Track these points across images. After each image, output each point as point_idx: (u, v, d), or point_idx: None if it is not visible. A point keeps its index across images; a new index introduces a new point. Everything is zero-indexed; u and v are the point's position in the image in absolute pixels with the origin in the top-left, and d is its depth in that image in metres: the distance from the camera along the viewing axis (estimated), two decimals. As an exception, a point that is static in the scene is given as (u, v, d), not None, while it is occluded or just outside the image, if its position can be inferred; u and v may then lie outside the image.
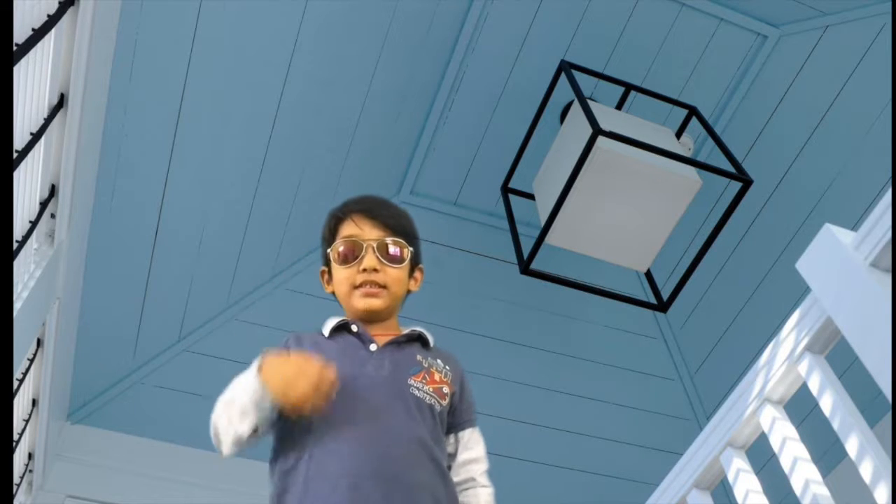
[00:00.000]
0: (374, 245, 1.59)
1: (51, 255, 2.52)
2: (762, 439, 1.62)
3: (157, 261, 3.34)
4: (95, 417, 3.53)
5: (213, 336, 3.56)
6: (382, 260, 1.59)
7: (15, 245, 2.14)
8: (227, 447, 1.41)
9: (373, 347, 1.54)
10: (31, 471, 3.17)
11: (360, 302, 1.58)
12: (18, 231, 2.22)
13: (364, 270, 1.57)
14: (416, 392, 1.49)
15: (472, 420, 1.61)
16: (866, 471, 1.28)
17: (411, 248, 1.64)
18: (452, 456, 1.57)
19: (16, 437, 2.81)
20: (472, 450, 1.57)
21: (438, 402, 1.51)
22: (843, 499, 1.46)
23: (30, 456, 3.11)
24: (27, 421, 2.91)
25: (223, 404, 1.41)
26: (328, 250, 1.64)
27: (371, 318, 1.59)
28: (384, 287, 1.58)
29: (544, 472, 3.94)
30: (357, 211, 1.64)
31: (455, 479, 1.53)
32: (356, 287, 1.58)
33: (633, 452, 3.96)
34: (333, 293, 1.66)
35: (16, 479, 3.05)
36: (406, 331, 1.61)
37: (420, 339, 1.61)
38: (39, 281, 2.41)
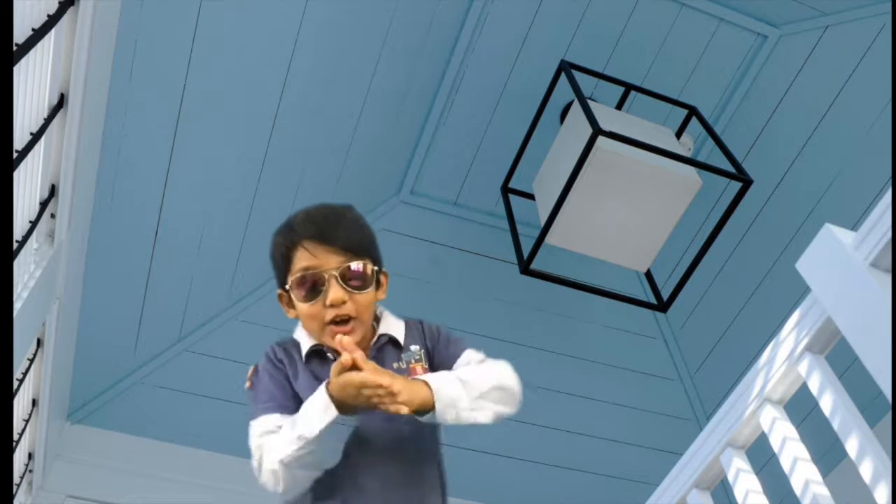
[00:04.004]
0: (337, 274, 1.43)
1: (51, 255, 2.52)
2: (762, 439, 1.62)
3: (157, 261, 3.34)
4: (95, 417, 3.53)
5: (213, 336, 3.57)
6: (348, 288, 1.44)
7: (15, 245, 2.14)
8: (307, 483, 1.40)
9: None
10: (31, 471, 3.17)
11: (334, 343, 1.42)
12: (18, 231, 2.22)
13: (331, 305, 1.43)
14: None
15: (459, 349, 1.55)
16: (866, 471, 1.28)
17: (375, 267, 1.51)
18: None
19: (16, 437, 2.81)
20: (469, 363, 1.52)
21: None
22: (843, 499, 1.46)
23: (30, 456, 3.11)
24: (27, 421, 2.91)
25: (291, 466, 1.34)
26: (285, 281, 1.49)
27: None
28: (356, 317, 1.46)
29: (544, 472, 3.94)
30: (308, 238, 1.46)
31: None
32: (327, 323, 1.45)
33: (633, 452, 3.96)
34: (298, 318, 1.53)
35: (16, 479, 3.05)
36: (374, 341, 1.52)
37: (391, 341, 1.53)
38: (39, 281, 2.41)
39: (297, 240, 1.47)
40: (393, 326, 1.56)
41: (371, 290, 1.49)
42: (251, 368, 1.54)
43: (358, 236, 1.50)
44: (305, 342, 1.51)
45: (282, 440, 1.35)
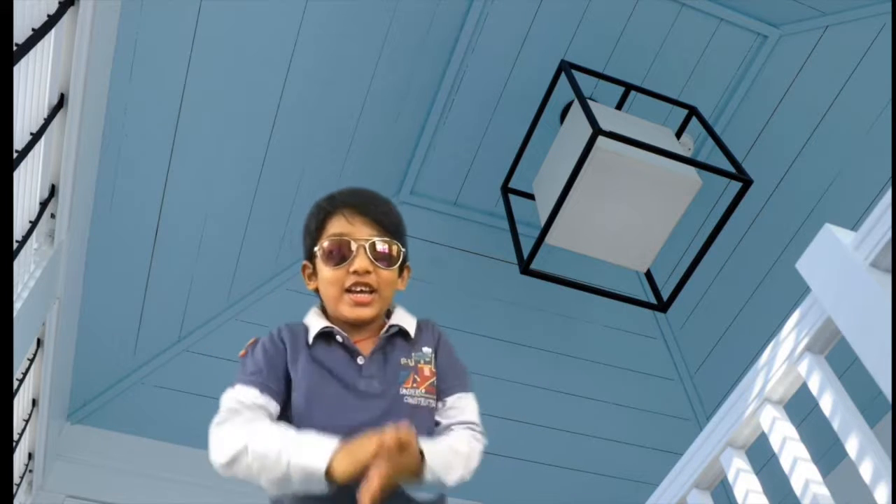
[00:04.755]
0: (366, 245, 1.48)
1: (51, 255, 2.52)
2: (762, 439, 1.62)
3: (157, 261, 3.34)
4: (95, 417, 3.53)
5: (213, 336, 3.57)
6: (374, 261, 1.48)
7: (15, 245, 2.14)
8: (233, 476, 1.37)
9: (360, 360, 1.47)
10: (31, 471, 3.17)
11: (350, 311, 1.49)
12: (18, 231, 2.22)
13: (355, 272, 1.47)
14: (410, 400, 1.45)
15: (459, 385, 1.52)
16: (866, 471, 1.29)
17: (404, 249, 1.55)
18: (436, 422, 1.50)
19: (16, 437, 2.81)
20: (455, 409, 1.49)
21: (433, 400, 1.48)
22: (843, 499, 1.46)
23: (30, 456, 3.11)
24: (27, 421, 2.91)
25: (255, 457, 1.31)
26: (314, 247, 1.53)
27: (358, 325, 1.52)
28: (375, 291, 1.49)
29: (544, 472, 3.94)
30: (348, 206, 1.52)
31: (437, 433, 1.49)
32: (346, 290, 1.49)
33: (633, 452, 3.96)
34: (316, 290, 1.56)
35: (16, 479, 3.05)
36: (385, 329, 1.52)
37: (401, 333, 1.53)
38: (39, 281, 2.41)
39: (337, 205, 1.53)
40: (405, 320, 1.56)
41: (395, 269, 1.52)
42: (251, 339, 1.54)
43: (394, 219, 1.56)
44: (316, 325, 1.51)
45: (265, 440, 1.32)
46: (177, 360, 3.56)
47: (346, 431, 1.34)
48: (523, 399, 3.86)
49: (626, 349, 3.98)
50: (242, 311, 3.58)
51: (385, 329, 1.52)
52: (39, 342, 2.76)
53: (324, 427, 1.35)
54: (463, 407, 1.50)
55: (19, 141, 2.02)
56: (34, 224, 2.32)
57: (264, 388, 1.42)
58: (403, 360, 1.49)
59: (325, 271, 1.51)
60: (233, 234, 3.41)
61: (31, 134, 2.10)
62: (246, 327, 3.56)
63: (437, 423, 1.49)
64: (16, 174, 2.05)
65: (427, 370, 1.49)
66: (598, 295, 3.15)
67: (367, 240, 1.49)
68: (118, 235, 3.21)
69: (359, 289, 1.48)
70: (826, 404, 1.42)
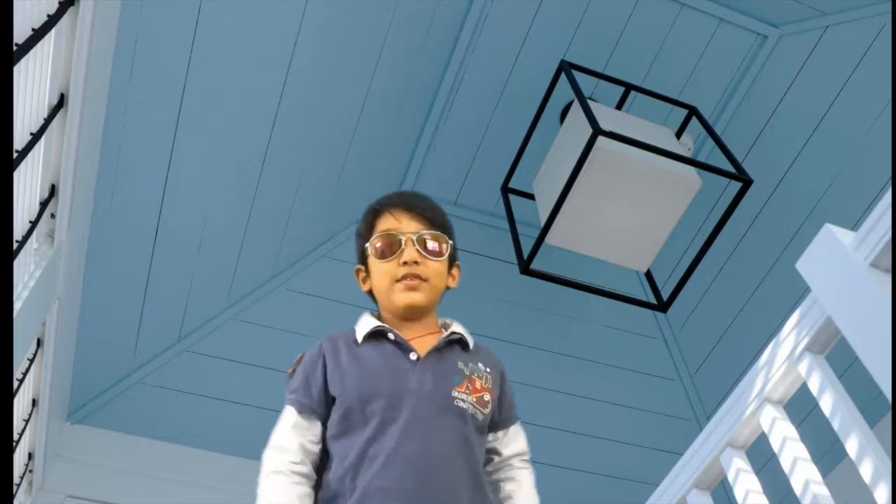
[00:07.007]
0: (414, 238, 1.57)
1: (51, 255, 2.52)
2: (762, 439, 1.62)
3: (157, 261, 3.34)
4: (95, 417, 3.52)
5: (213, 336, 3.56)
6: (423, 253, 1.56)
7: (15, 245, 2.14)
8: None
9: (413, 357, 1.49)
10: (31, 471, 3.17)
11: (401, 297, 1.54)
12: (18, 231, 2.22)
13: (405, 263, 1.55)
14: (460, 404, 1.47)
15: (514, 416, 1.64)
16: (866, 471, 1.29)
17: (450, 242, 1.63)
18: (495, 451, 1.59)
19: (16, 437, 2.81)
20: (513, 444, 1.61)
21: (481, 411, 1.49)
22: (843, 499, 1.46)
23: (30, 456, 3.11)
24: (27, 421, 2.91)
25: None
26: (366, 245, 1.61)
27: (411, 314, 1.56)
28: (425, 280, 1.55)
29: (544, 472, 3.90)
30: (395, 204, 1.62)
31: (494, 467, 1.58)
32: (397, 281, 1.55)
33: (633, 452, 3.96)
34: (370, 292, 1.64)
35: (16, 479, 3.05)
36: (445, 333, 1.57)
37: (460, 342, 1.58)
38: (39, 281, 2.41)
39: (385, 206, 1.63)
40: (464, 332, 1.61)
41: (444, 260, 1.60)
42: (298, 356, 1.58)
43: (439, 215, 1.64)
44: (367, 324, 1.56)
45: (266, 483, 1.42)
46: (177, 360, 3.56)
47: (401, 427, 1.39)
48: (523, 399, 3.82)
49: (625, 349, 3.98)
50: (242, 311, 3.58)
51: (447, 334, 1.57)
52: (39, 342, 2.76)
53: (380, 423, 1.41)
54: (519, 433, 1.64)
55: (19, 141, 2.02)
56: (34, 224, 2.32)
57: (302, 408, 1.48)
58: (460, 365, 1.52)
59: (378, 265, 1.59)
60: (233, 234, 3.41)
61: (31, 134, 2.10)
62: (246, 327, 3.56)
63: (496, 452, 1.59)
64: (16, 174, 2.05)
65: (479, 384, 1.52)
66: (597, 295, 3.15)
67: (415, 233, 1.58)
68: (118, 235, 3.20)
69: (409, 278, 1.55)
70: (826, 404, 1.42)
